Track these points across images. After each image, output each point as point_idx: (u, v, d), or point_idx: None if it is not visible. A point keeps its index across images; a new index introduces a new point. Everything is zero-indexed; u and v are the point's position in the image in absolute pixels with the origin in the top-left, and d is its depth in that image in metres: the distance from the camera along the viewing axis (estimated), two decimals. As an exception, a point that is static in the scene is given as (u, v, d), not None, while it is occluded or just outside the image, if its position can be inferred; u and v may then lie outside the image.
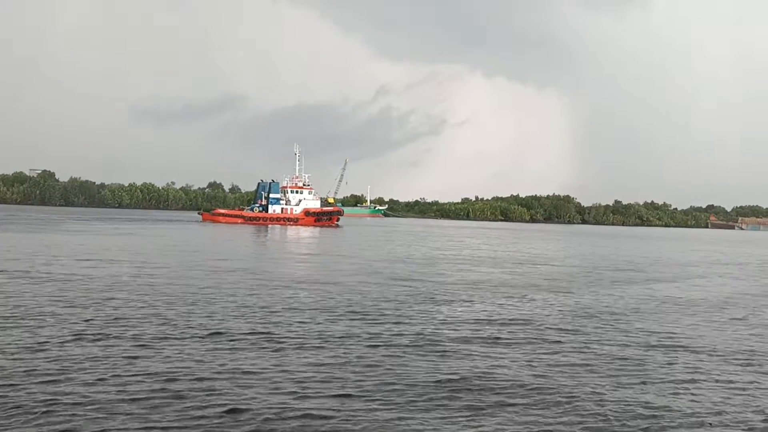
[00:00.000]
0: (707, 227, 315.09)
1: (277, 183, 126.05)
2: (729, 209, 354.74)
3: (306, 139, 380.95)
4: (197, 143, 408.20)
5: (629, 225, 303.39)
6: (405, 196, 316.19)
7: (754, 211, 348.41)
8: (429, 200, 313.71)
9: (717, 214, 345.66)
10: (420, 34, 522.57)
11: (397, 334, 19.01)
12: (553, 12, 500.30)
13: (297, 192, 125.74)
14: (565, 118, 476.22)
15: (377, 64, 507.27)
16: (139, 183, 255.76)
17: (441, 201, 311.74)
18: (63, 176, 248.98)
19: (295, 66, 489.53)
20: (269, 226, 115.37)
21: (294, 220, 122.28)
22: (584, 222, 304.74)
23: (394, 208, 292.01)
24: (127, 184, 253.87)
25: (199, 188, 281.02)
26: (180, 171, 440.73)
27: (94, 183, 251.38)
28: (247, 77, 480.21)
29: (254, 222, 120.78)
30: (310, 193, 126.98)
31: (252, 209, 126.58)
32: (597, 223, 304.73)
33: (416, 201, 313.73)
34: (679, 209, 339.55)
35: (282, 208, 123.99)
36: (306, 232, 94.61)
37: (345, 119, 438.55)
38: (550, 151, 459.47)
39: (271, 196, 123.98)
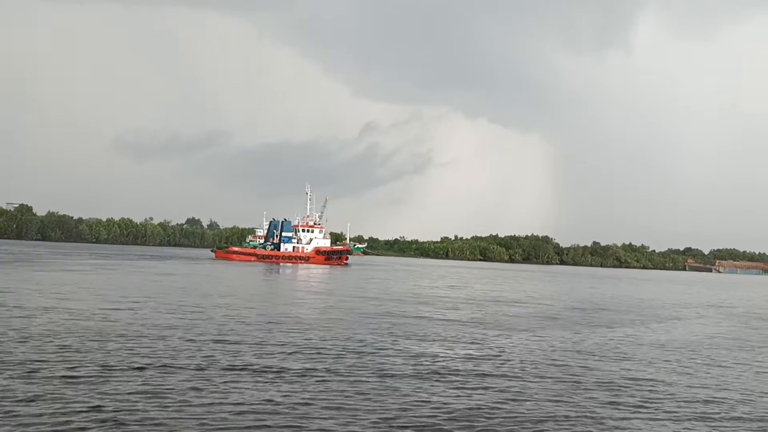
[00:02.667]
0: (685, 270, 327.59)
1: (289, 222, 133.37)
2: (706, 252, 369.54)
3: (290, 176, 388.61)
4: (177, 178, 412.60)
5: (607, 266, 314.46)
6: (385, 235, 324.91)
7: (731, 255, 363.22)
8: (409, 239, 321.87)
9: (694, 256, 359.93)
10: (404, 74, 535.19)
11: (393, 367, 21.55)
12: (534, 55, 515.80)
13: (308, 231, 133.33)
14: (545, 159, 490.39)
15: (363, 103, 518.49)
16: (117, 218, 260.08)
17: (421, 240, 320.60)
18: (40, 210, 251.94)
19: (280, 103, 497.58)
20: (281, 264, 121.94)
21: (305, 259, 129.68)
22: (562, 263, 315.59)
23: (374, 247, 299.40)
24: (104, 219, 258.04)
25: (178, 224, 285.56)
26: (158, 206, 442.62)
27: (72, 217, 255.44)
28: (232, 113, 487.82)
29: (267, 260, 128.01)
30: (320, 232, 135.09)
31: (264, 247, 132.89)
32: (575, 263, 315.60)
33: (396, 239, 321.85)
34: (657, 251, 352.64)
35: (294, 247, 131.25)
36: (318, 271, 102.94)
37: (330, 156, 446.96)
38: (530, 192, 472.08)
39: (284, 234, 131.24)
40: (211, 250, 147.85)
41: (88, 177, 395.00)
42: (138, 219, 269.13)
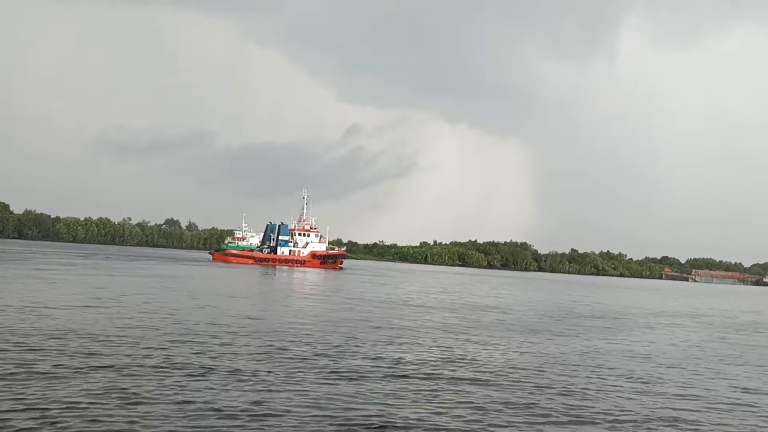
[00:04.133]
0: (662, 278, 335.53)
1: (286, 225, 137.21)
2: (683, 261, 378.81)
3: (272, 178, 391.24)
4: (157, 178, 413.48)
5: (585, 273, 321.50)
6: (364, 239, 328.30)
7: (707, 264, 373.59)
8: (387, 243, 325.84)
9: (671, 265, 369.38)
10: (390, 79, 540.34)
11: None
12: (518, 61, 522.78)
13: (304, 235, 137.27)
14: (526, 165, 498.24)
15: (347, 107, 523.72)
16: (94, 217, 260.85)
17: (399, 244, 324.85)
18: (17, 208, 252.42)
19: (265, 105, 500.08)
20: (278, 267, 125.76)
21: (301, 262, 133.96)
22: (540, 269, 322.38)
23: (353, 250, 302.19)
24: (82, 218, 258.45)
25: (156, 224, 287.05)
26: (137, 206, 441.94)
27: (49, 216, 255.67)
28: (216, 114, 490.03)
29: (264, 263, 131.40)
30: (316, 236, 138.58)
31: (261, 250, 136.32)
32: (553, 270, 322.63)
33: (375, 243, 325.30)
34: (634, 259, 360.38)
35: (290, 250, 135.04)
36: (316, 274, 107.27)
37: (313, 159, 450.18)
38: (509, 198, 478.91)
39: (281, 238, 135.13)
40: (209, 253, 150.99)
41: (67, 175, 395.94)
42: (116, 219, 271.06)
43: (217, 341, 25.64)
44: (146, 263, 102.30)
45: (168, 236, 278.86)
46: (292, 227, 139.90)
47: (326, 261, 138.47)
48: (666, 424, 17.54)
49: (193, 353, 22.62)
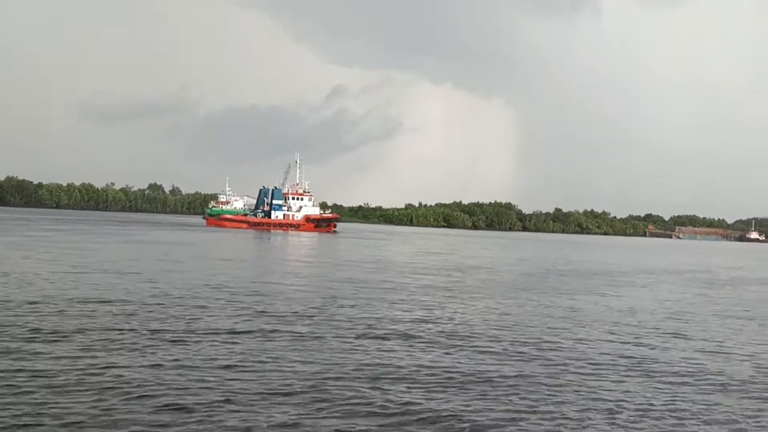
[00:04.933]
0: (645, 236, 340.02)
1: (280, 190, 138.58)
2: (667, 218, 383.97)
3: (256, 141, 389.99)
4: (141, 143, 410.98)
5: (569, 233, 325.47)
6: (349, 201, 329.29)
7: (691, 221, 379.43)
8: (372, 205, 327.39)
9: (655, 223, 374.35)
10: (374, 39, 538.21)
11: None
12: (502, 17, 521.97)
13: (298, 199, 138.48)
14: (510, 126, 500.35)
15: (333, 68, 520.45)
16: (77, 183, 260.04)
17: (384, 206, 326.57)
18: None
19: (249, 68, 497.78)
20: (272, 231, 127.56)
21: (296, 226, 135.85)
22: (525, 229, 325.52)
23: (338, 213, 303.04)
24: (65, 184, 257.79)
25: (139, 189, 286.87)
26: (121, 172, 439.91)
27: (31, 182, 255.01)
28: (200, 78, 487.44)
29: (258, 227, 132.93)
30: (309, 200, 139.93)
31: (255, 215, 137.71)
32: (537, 230, 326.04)
33: (360, 206, 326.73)
34: (618, 218, 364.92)
35: (284, 214, 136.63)
36: (312, 238, 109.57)
37: (298, 122, 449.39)
38: (494, 159, 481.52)
39: (275, 202, 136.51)
40: (203, 217, 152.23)
41: (50, 141, 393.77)
42: (99, 184, 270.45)
43: (199, 304, 25.46)
44: (143, 229, 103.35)
45: (152, 201, 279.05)
46: (286, 191, 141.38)
47: (320, 224, 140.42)
48: (645, 372, 17.79)
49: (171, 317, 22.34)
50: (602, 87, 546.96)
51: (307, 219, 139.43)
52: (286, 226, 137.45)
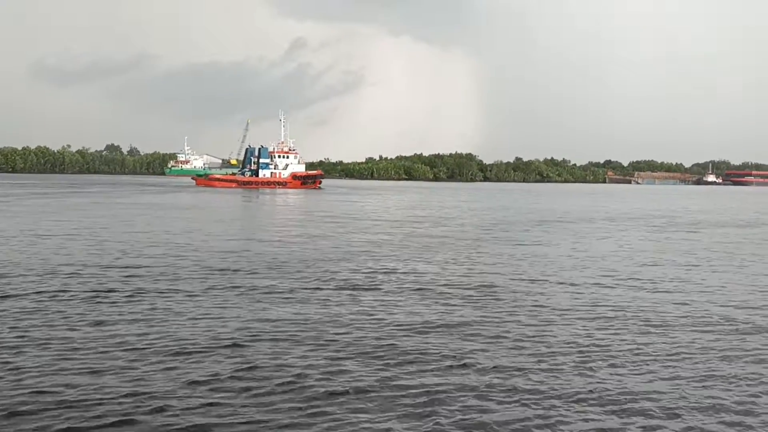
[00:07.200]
0: (605, 182, 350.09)
1: (266, 148, 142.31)
2: (626, 164, 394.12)
3: (216, 98, 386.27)
4: (97, 104, 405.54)
5: (530, 181, 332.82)
6: (309, 157, 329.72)
7: (649, 166, 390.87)
8: (333, 160, 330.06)
9: (614, 169, 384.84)
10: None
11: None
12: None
13: (284, 157, 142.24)
14: (469, 76, 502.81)
15: (292, 23, 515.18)
16: (33, 146, 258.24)
17: (345, 161, 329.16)
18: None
19: (208, 23, 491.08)
20: (261, 189, 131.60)
21: (283, 184, 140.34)
22: (486, 179, 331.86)
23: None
24: (20, 148, 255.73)
25: (97, 151, 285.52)
26: (77, 133, 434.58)
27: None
28: (158, 35, 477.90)
29: (247, 186, 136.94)
30: (295, 157, 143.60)
31: (243, 174, 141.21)
32: (498, 179, 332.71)
33: (320, 161, 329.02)
34: (578, 165, 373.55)
35: (272, 173, 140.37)
36: (298, 195, 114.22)
37: (258, 77, 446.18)
38: (454, 110, 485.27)
39: (261, 161, 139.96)
40: (191, 178, 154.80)
41: (3, 104, 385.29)
42: (55, 147, 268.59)
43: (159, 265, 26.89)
44: (133, 193, 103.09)
45: (110, 162, 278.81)
46: (272, 149, 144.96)
47: (306, 182, 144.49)
48: (615, 313, 19.34)
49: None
50: (564, 28, 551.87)
51: (294, 176, 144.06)
52: (273, 184, 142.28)
